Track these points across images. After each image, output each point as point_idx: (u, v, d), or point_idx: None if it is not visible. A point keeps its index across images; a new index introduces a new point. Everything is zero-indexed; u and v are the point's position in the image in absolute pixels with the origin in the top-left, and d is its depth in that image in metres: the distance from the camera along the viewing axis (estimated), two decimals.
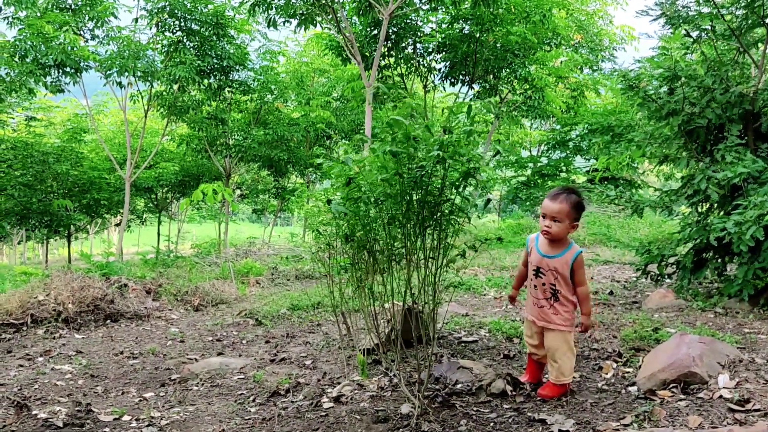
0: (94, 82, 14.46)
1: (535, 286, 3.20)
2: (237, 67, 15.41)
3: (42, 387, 3.94)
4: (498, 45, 12.81)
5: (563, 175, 20.47)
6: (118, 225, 21.91)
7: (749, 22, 5.60)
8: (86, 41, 13.83)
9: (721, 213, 5.45)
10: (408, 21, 12.65)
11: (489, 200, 4.48)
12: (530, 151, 23.82)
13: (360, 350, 3.93)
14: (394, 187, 2.84)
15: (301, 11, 11.54)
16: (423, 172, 2.75)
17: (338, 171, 3.11)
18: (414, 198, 2.86)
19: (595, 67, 19.56)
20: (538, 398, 3.17)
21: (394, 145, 2.69)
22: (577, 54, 16.97)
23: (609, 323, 4.60)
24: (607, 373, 3.51)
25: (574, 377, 3.49)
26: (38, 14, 12.52)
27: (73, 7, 13.42)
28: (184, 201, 8.45)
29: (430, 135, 2.72)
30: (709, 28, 5.61)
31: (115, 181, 18.08)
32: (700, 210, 5.72)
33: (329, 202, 3.13)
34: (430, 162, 2.69)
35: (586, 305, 3.18)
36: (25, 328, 5.63)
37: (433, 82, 14.47)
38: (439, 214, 2.88)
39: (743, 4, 5.58)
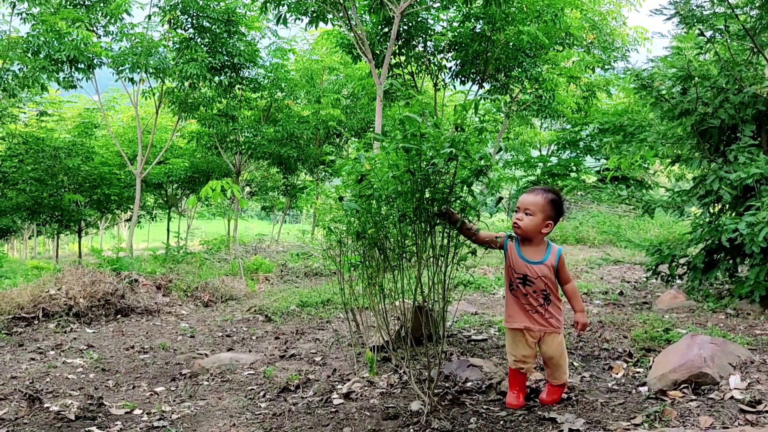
0: (105, 78, 14.56)
1: (525, 294, 3.02)
2: (247, 65, 15.46)
3: (53, 380, 3.98)
4: (509, 44, 12.78)
5: (573, 174, 20.42)
6: (128, 221, 22.03)
7: (764, 22, 5.56)
8: (99, 37, 13.93)
9: (733, 214, 5.41)
10: (419, 19, 12.64)
11: (501, 199, 4.50)
12: (540, 151, 23.79)
13: (370, 347, 3.93)
14: (405, 184, 2.84)
15: (312, 8, 11.54)
16: (434, 170, 2.74)
17: (349, 168, 3.10)
18: (425, 195, 2.86)
19: (607, 67, 19.47)
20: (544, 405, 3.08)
21: (405, 141, 2.68)
22: (590, 54, 16.89)
23: (619, 323, 4.58)
24: (617, 373, 3.50)
25: (584, 377, 3.49)
26: (52, 10, 12.60)
27: (86, 3, 13.51)
28: (192, 198, 8.46)
29: (440, 132, 2.71)
30: (723, 28, 5.56)
31: (126, 176, 18.19)
32: (711, 211, 5.69)
33: (341, 199, 3.13)
34: (442, 159, 2.69)
35: (578, 301, 3.08)
36: (36, 322, 5.67)
37: (443, 80, 14.46)
38: None
39: (758, 5, 5.55)
